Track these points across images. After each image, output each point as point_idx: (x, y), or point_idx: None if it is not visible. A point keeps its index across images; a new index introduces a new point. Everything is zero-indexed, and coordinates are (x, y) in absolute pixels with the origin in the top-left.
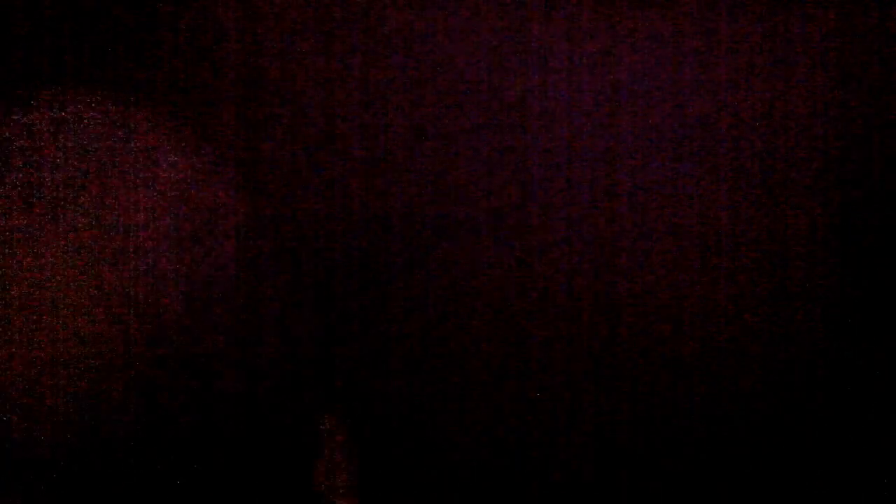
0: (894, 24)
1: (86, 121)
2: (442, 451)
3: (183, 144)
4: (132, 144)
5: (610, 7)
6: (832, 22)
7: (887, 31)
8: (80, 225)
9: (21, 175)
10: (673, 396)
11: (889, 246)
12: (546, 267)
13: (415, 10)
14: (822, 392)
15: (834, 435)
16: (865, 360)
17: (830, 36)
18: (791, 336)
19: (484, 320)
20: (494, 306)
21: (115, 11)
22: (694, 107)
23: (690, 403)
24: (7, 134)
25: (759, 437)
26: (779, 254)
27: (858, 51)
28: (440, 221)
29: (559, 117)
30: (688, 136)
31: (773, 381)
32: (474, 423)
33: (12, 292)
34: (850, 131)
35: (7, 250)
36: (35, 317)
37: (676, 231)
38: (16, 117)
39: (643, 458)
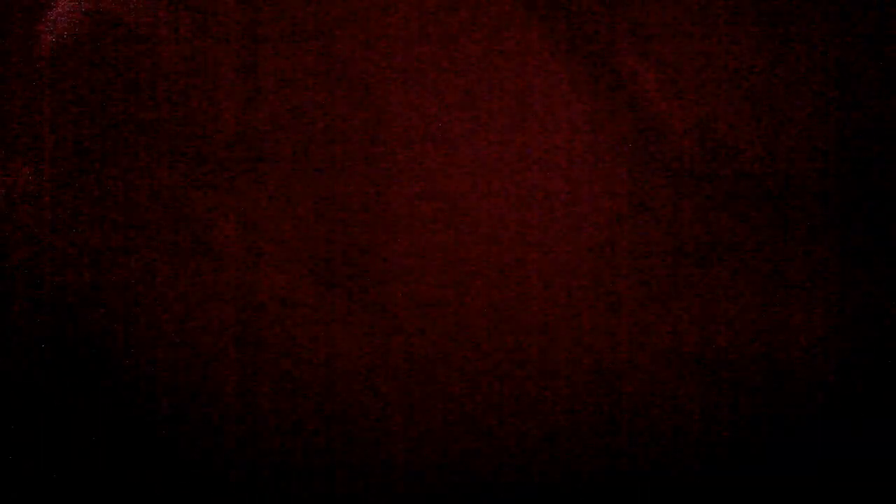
0: (894, 23)
1: None
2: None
3: None
4: None
5: (610, 5)
6: (832, 23)
7: (888, 30)
8: None
9: None
10: (671, 397)
11: (889, 246)
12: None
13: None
14: (822, 392)
15: (834, 435)
16: (865, 360)
17: (830, 36)
18: (791, 335)
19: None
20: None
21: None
22: (693, 107)
23: (690, 404)
24: None
25: (759, 438)
26: (779, 253)
27: (858, 51)
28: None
29: (558, 115)
30: (686, 136)
31: (772, 381)
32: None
33: None
34: (851, 131)
35: None
36: None
37: (675, 231)
38: None
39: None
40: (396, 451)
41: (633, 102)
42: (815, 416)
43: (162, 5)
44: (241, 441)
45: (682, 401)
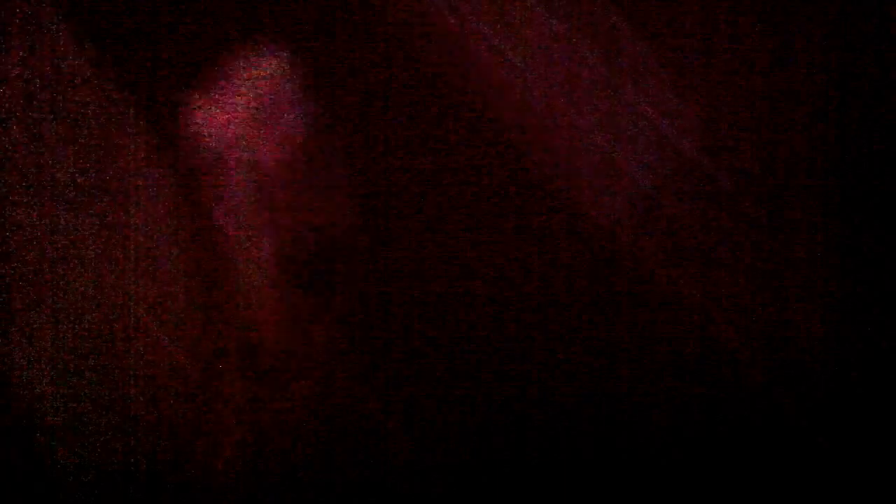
0: (894, 24)
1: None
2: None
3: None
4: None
5: (609, 4)
6: (832, 22)
7: (887, 30)
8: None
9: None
10: (672, 396)
11: (889, 246)
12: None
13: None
14: (822, 392)
15: (834, 435)
16: (865, 360)
17: (830, 36)
18: (791, 335)
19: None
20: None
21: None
22: (693, 106)
23: (690, 403)
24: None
25: (759, 437)
26: (779, 253)
27: (858, 51)
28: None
29: (559, 115)
30: (686, 136)
31: (772, 381)
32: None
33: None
34: (851, 131)
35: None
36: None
37: (675, 231)
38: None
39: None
40: (396, 451)
41: (634, 102)
42: (815, 416)
43: (163, 5)
44: (241, 442)
45: (682, 401)
